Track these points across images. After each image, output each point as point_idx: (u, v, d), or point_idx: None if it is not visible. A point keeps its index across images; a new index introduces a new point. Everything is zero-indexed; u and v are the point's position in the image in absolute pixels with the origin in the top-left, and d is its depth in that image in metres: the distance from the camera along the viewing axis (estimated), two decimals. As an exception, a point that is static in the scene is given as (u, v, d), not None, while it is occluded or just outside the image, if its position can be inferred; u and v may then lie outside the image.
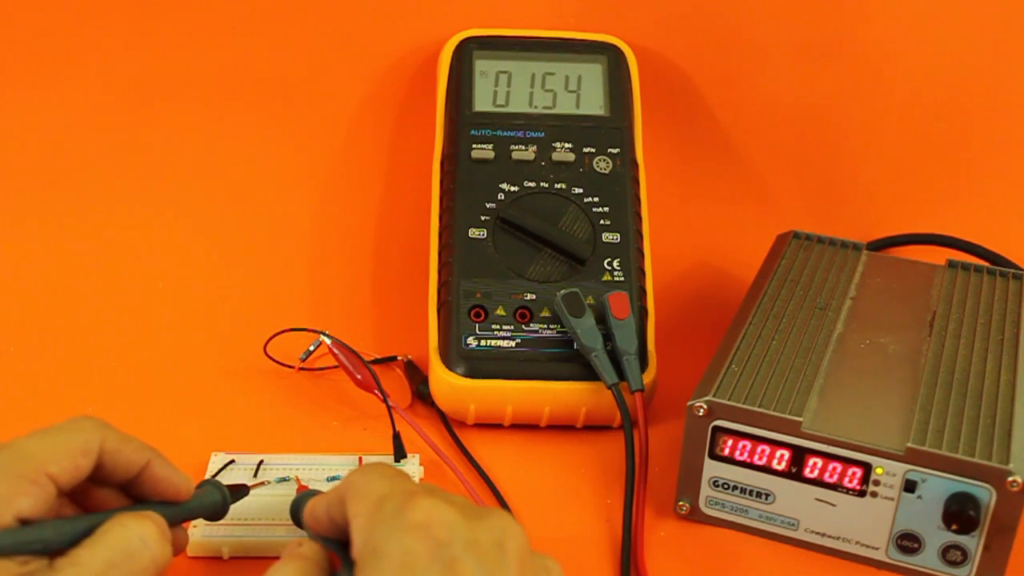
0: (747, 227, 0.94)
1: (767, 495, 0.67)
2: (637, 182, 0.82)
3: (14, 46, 0.91)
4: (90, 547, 0.52)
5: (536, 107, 0.85)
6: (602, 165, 0.82)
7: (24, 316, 0.84)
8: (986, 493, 0.61)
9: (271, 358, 0.79)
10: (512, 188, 0.80)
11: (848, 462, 0.64)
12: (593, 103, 0.85)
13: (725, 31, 0.93)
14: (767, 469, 0.66)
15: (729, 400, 0.65)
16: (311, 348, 0.80)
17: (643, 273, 0.79)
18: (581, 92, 0.86)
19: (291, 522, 0.62)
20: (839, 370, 0.69)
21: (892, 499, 0.64)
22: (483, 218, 0.79)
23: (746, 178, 0.96)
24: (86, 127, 0.92)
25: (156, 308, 0.86)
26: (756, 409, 0.65)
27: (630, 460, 0.71)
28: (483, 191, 0.80)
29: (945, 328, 0.73)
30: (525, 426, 0.76)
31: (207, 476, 0.69)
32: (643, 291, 0.79)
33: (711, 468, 0.67)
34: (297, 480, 0.69)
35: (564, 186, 0.81)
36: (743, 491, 0.67)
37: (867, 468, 0.63)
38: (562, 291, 0.75)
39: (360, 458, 0.71)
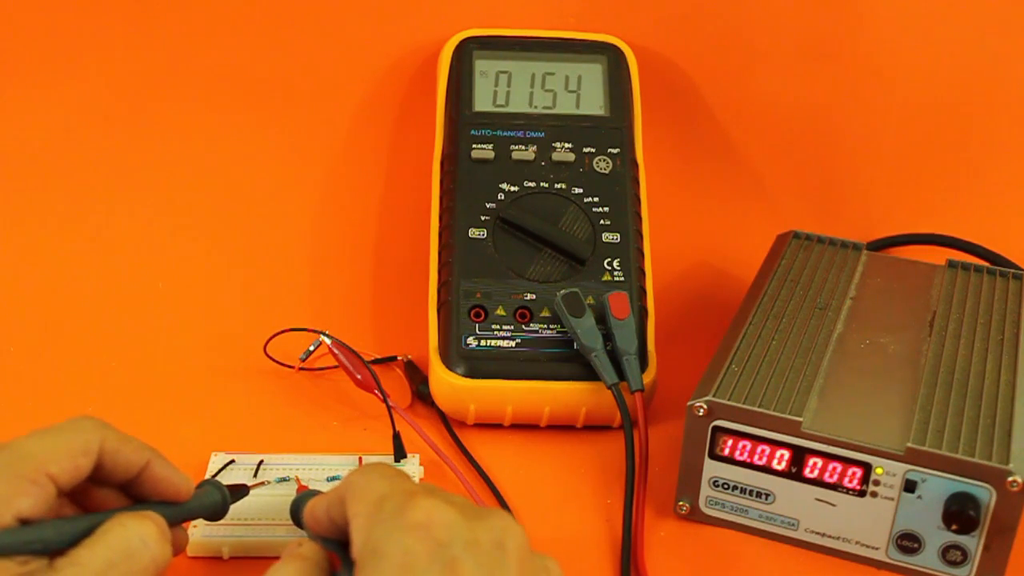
0: (747, 227, 0.94)
1: (767, 495, 0.67)
2: (637, 182, 0.82)
3: (14, 46, 0.91)
4: (90, 547, 0.52)
5: (536, 107, 0.85)
6: (602, 165, 0.82)
7: (24, 316, 0.84)
8: (986, 493, 0.61)
9: (271, 358, 0.79)
10: (512, 188, 0.80)
11: (848, 462, 0.64)
12: (593, 103, 0.85)
13: (725, 31, 0.93)
14: (767, 469, 0.66)
15: (729, 400, 0.65)
16: (311, 348, 0.80)
17: (643, 273, 0.79)
18: (581, 92, 0.86)
19: (291, 522, 0.62)
20: (839, 370, 0.69)
21: (892, 499, 0.64)
22: (483, 218, 0.79)
23: (746, 178, 0.96)
24: (86, 127, 0.92)
25: (156, 308, 0.85)
26: (756, 409, 0.65)
27: (630, 460, 0.71)
28: (483, 191, 0.80)
29: (945, 328, 0.73)
30: (525, 426, 0.76)
31: (207, 476, 0.69)
32: (643, 291, 0.79)
33: (711, 468, 0.67)
34: (297, 480, 0.69)
35: (564, 186, 0.81)
36: (743, 491, 0.67)
37: (867, 468, 0.63)
38: (562, 291, 0.75)
39: (360, 458, 0.71)
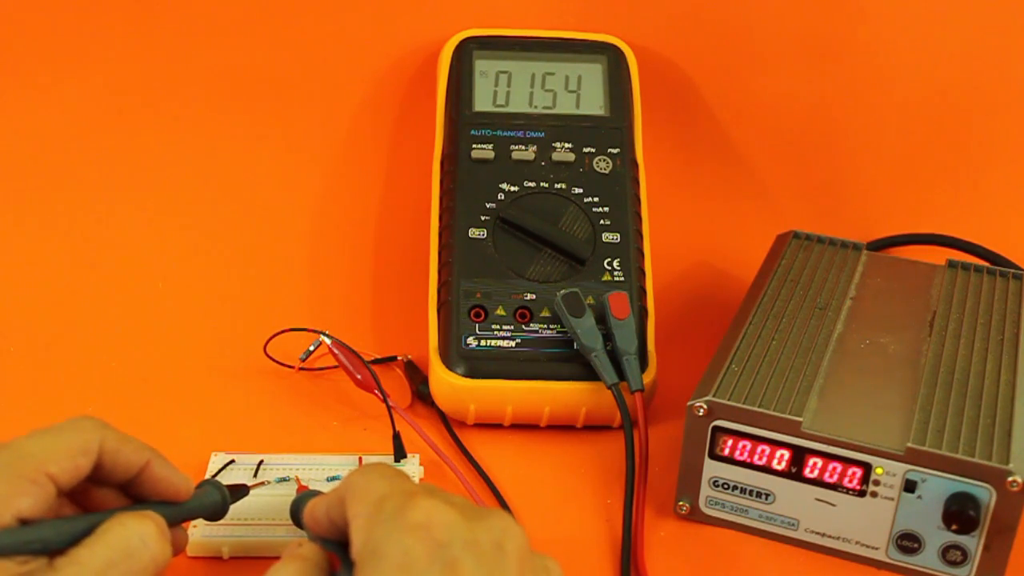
0: (747, 227, 0.94)
1: (767, 495, 0.67)
2: (637, 182, 0.82)
3: (14, 46, 0.91)
4: (90, 546, 0.52)
5: (536, 107, 0.85)
6: (602, 165, 0.82)
7: (24, 316, 0.84)
8: (986, 493, 0.61)
9: (271, 358, 0.79)
10: (512, 188, 0.80)
11: (848, 462, 0.64)
12: (593, 103, 0.85)
13: (725, 31, 0.93)
14: (767, 469, 0.66)
15: (729, 400, 0.65)
16: (311, 348, 0.80)
17: (643, 273, 0.79)
18: (581, 92, 0.86)
19: (291, 522, 0.62)
20: (839, 370, 0.69)
21: (892, 499, 0.64)
22: (483, 218, 0.79)
23: (746, 178, 0.96)
24: (86, 127, 0.92)
25: (156, 308, 0.85)
26: (756, 409, 0.65)
27: (630, 460, 0.71)
28: (483, 191, 0.80)
29: (945, 328, 0.73)
30: (525, 426, 0.76)
31: (207, 476, 0.69)
32: (643, 291, 0.78)
33: (711, 468, 0.67)
34: (297, 480, 0.69)
35: (564, 186, 0.81)
36: (743, 491, 0.67)
37: (867, 468, 0.63)
38: (562, 291, 0.75)
39: (360, 458, 0.71)
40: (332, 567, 0.54)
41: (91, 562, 0.51)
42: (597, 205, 0.80)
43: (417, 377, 0.79)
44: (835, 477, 0.64)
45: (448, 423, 0.76)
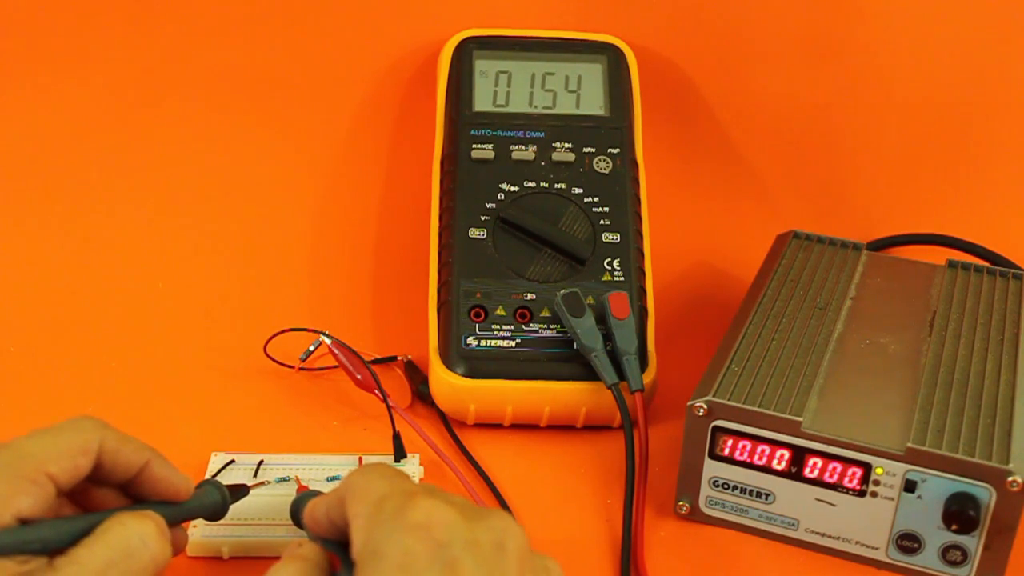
0: (747, 227, 0.94)
1: (767, 495, 0.67)
2: (637, 182, 0.82)
3: (14, 46, 0.91)
4: (89, 546, 0.52)
5: (536, 107, 0.85)
6: (602, 165, 0.82)
7: (24, 316, 0.84)
8: (986, 493, 0.61)
9: (271, 358, 0.79)
10: (512, 188, 0.80)
11: (848, 462, 0.64)
12: (593, 103, 0.85)
13: (725, 31, 0.93)
14: (767, 469, 0.66)
15: (729, 400, 0.65)
16: (311, 348, 0.80)
17: (643, 273, 0.79)
18: (581, 92, 0.86)
19: (291, 522, 0.62)
20: (839, 370, 0.69)
21: (892, 499, 0.64)
22: (483, 218, 0.79)
23: (746, 178, 0.96)
24: (86, 127, 0.92)
25: (156, 308, 0.85)
26: (756, 409, 0.65)
27: (630, 460, 0.71)
28: (483, 191, 0.80)
29: (945, 328, 0.73)
30: (525, 426, 0.76)
31: (207, 476, 0.69)
32: (643, 291, 0.78)
33: (711, 468, 0.67)
34: (297, 480, 0.69)
35: (564, 186, 0.81)
36: (743, 491, 0.67)
37: (867, 468, 0.63)
38: (562, 291, 0.75)
39: (360, 458, 0.71)
40: (332, 567, 0.54)
41: (91, 562, 0.51)
42: (597, 205, 0.80)
43: (417, 377, 0.79)
44: (835, 477, 0.64)
45: (448, 423, 0.76)
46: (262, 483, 0.68)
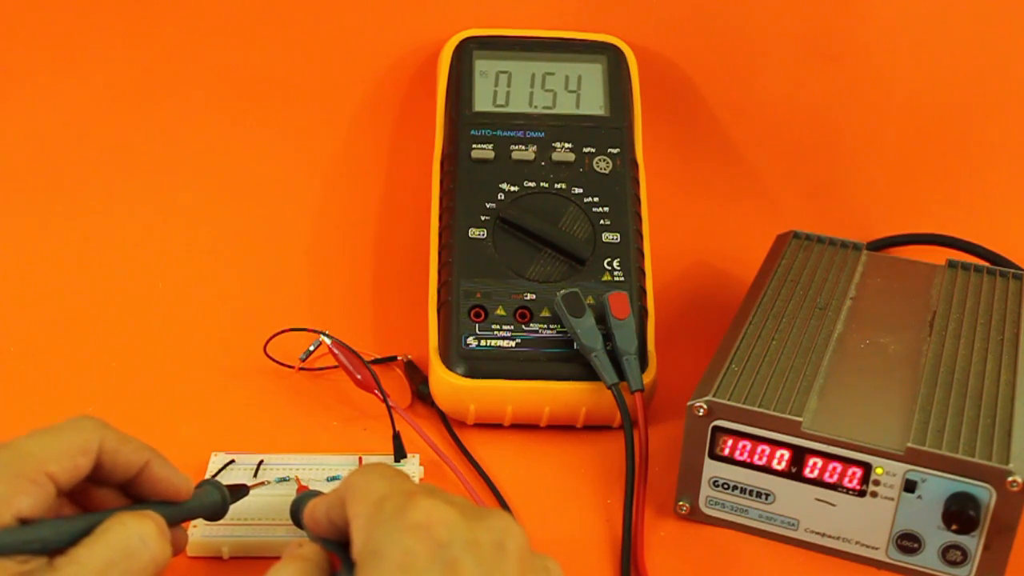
0: (747, 227, 0.94)
1: (767, 495, 0.67)
2: (637, 182, 0.82)
3: (14, 46, 0.91)
4: (89, 546, 0.52)
5: (536, 107, 0.85)
6: (602, 165, 0.82)
7: (24, 316, 0.84)
8: (986, 493, 0.61)
9: (271, 358, 0.79)
10: (512, 188, 0.80)
11: (848, 462, 0.64)
12: (593, 103, 0.85)
13: (725, 31, 0.93)
14: (767, 469, 0.66)
15: (729, 400, 0.65)
16: (311, 348, 0.80)
17: (643, 273, 0.79)
18: (581, 92, 0.86)
19: (291, 522, 0.62)
20: (839, 370, 0.69)
21: (892, 499, 0.64)
22: (483, 218, 0.79)
23: (746, 178, 0.96)
24: (86, 126, 0.92)
25: (156, 308, 0.85)
26: (756, 409, 0.65)
27: (630, 460, 0.71)
28: (483, 191, 0.80)
29: (945, 328, 0.73)
30: (525, 426, 0.76)
31: (207, 476, 0.69)
32: (643, 291, 0.78)
33: (711, 468, 0.67)
34: (297, 480, 0.69)
35: (564, 186, 0.81)
36: (743, 491, 0.67)
37: (867, 468, 0.63)
38: (562, 291, 0.75)
39: (360, 458, 0.71)
40: (332, 567, 0.54)
41: (91, 562, 0.51)
42: (597, 205, 0.80)
43: (417, 377, 0.79)
44: (835, 477, 0.64)
45: (448, 423, 0.76)
46: (262, 483, 0.68)
